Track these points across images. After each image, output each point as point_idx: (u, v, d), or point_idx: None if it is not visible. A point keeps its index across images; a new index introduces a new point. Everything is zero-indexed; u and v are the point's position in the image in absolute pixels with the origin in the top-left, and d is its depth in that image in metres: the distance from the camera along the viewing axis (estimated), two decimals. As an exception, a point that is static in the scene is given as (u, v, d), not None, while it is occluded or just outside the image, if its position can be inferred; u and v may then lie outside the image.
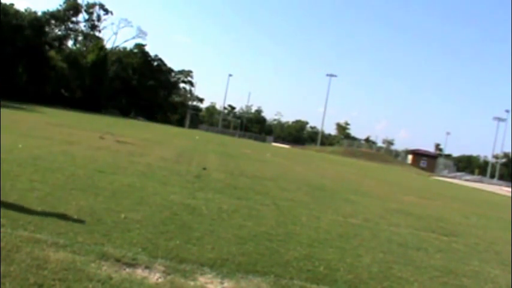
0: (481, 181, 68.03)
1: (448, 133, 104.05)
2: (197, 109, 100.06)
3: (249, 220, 6.66)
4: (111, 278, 3.55)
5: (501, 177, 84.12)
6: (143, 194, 7.27)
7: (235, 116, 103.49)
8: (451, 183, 44.04)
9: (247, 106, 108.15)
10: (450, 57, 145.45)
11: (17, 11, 57.84)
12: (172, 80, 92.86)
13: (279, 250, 5.25)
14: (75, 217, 5.12)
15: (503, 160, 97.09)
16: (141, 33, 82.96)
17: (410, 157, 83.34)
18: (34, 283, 3.24)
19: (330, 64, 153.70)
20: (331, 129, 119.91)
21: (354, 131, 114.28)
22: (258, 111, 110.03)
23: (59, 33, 72.00)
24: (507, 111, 79.44)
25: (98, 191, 6.89)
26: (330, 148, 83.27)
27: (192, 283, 3.79)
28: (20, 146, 10.92)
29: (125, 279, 3.59)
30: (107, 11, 78.58)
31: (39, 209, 5.22)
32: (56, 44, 69.15)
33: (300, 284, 4.24)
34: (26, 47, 55.28)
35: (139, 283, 3.58)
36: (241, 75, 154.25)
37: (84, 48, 72.55)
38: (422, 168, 73.93)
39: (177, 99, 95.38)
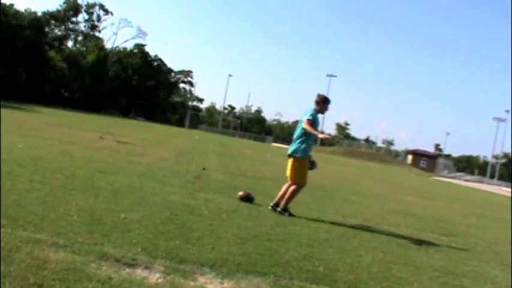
0: (480, 181, 68.04)
1: (448, 133, 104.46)
2: (197, 109, 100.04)
3: (249, 220, 6.66)
4: (111, 278, 3.55)
5: (501, 178, 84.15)
6: (143, 194, 7.26)
7: (235, 116, 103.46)
8: (450, 183, 44.01)
9: (247, 106, 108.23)
10: (450, 57, 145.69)
11: (17, 11, 57.88)
12: (172, 80, 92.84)
13: (278, 250, 5.24)
14: (75, 217, 5.11)
15: (503, 160, 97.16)
16: (141, 33, 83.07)
17: (410, 157, 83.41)
18: (34, 283, 3.24)
19: (330, 64, 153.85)
20: (331, 129, 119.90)
21: (354, 131, 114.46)
22: (258, 112, 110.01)
23: (59, 33, 72.03)
24: (507, 111, 79.54)
25: (98, 191, 6.89)
26: (329, 148, 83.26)
27: (192, 283, 3.78)
28: (20, 146, 10.92)
29: (125, 280, 3.58)
30: (107, 11, 78.66)
31: (39, 209, 5.21)
32: (56, 44, 69.19)
33: (300, 284, 4.24)
34: (26, 47, 55.30)
35: (139, 283, 3.58)
36: (241, 75, 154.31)
37: (84, 49, 72.58)
38: (422, 169, 73.95)
39: (177, 99, 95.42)
